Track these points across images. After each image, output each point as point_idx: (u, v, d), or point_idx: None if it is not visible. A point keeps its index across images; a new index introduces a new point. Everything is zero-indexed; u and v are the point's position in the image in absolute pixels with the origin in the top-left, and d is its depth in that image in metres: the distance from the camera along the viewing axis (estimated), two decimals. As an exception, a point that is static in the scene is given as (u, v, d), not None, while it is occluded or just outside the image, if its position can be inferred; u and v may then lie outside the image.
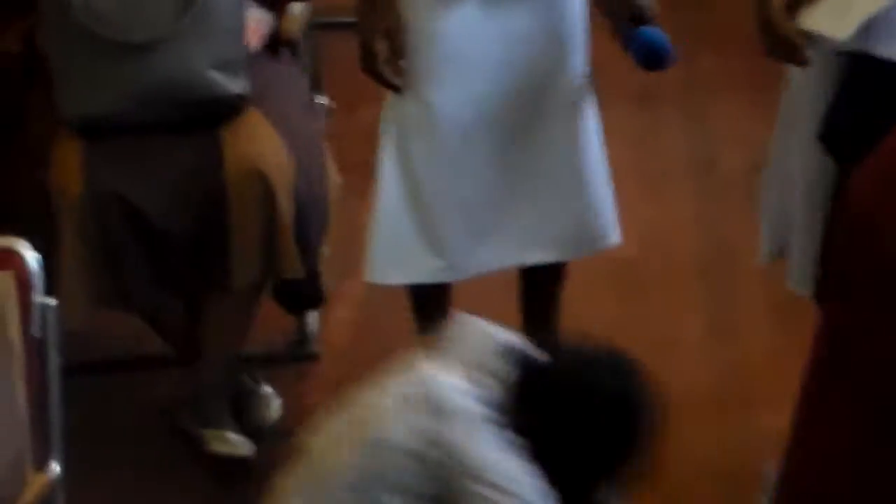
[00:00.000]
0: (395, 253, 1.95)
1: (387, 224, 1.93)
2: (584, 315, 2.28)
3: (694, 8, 3.50)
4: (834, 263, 1.17)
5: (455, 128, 1.85)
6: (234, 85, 1.86)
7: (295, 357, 2.36)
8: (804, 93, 1.77)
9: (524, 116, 1.87)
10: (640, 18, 1.89)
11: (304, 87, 2.18)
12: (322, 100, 2.35)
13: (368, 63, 1.80)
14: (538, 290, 2.10)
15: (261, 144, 1.87)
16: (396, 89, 1.82)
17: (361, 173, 2.28)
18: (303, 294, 2.05)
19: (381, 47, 1.78)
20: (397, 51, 1.79)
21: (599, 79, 2.00)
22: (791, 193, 1.84)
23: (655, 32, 1.90)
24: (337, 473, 1.40)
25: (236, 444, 2.02)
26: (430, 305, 2.06)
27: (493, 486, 1.29)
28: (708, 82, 2.96)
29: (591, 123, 1.96)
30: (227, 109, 1.86)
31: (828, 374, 1.15)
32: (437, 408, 1.37)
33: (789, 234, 1.85)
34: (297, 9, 2.10)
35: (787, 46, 1.61)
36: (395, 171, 1.90)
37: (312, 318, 2.34)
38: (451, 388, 1.38)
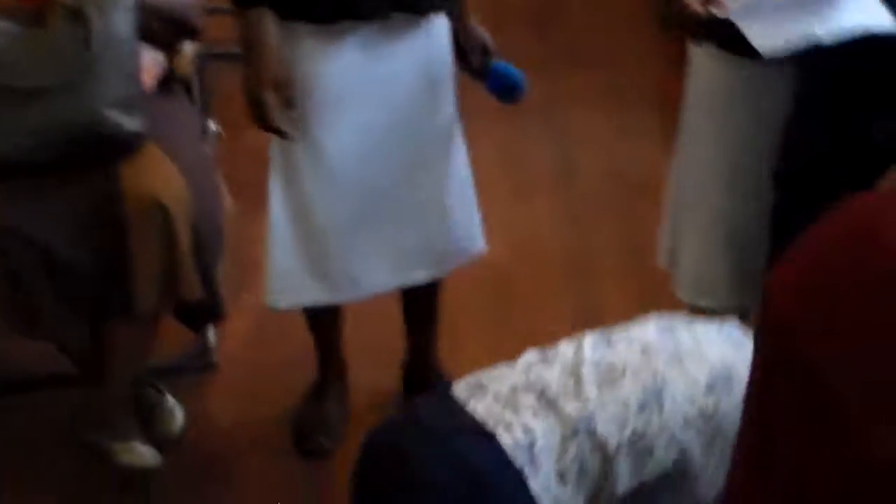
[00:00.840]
0: (287, 279, 2.08)
1: (278, 253, 2.06)
2: (461, 319, 2.49)
3: (558, 29, 3.77)
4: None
5: (340, 162, 1.98)
6: (132, 123, 1.92)
7: (196, 369, 2.47)
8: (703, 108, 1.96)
9: (402, 150, 2.02)
10: (486, 52, 2.09)
11: (196, 120, 2.28)
12: (212, 125, 2.45)
13: (259, 115, 1.89)
14: (418, 302, 2.29)
15: (158, 177, 1.95)
16: (288, 137, 1.94)
17: (251, 192, 2.40)
18: (202, 312, 2.14)
19: (271, 99, 1.89)
20: (288, 102, 1.90)
21: (468, 93, 2.16)
22: (682, 205, 2.05)
23: (508, 68, 2.11)
24: None
25: (144, 454, 2.14)
26: (322, 321, 2.23)
27: None
28: (569, 97, 3.18)
29: (459, 150, 2.14)
30: (125, 146, 1.93)
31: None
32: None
33: (677, 244, 2.07)
34: (187, 48, 2.20)
35: (684, 18, 1.73)
36: (284, 204, 2.03)
37: (210, 331, 2.45)
38: None
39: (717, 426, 1.43)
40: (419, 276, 2.16)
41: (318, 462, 2.27)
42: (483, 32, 2.11)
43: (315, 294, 2.10)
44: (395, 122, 2.00)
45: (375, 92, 1.97)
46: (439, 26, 2.01)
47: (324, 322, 2.24)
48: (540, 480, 1.38)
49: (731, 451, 1.29)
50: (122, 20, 1.88)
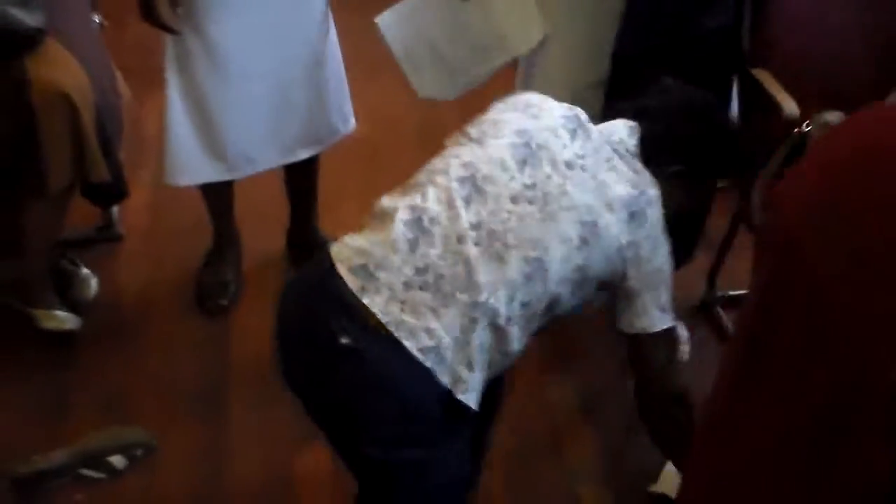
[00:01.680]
0: (183, 159, 2.30)
1: (175, 136, 2.27)
2: (335, 185, 2.72)
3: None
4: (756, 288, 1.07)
5: (229, 53, 2.18)
6: (32, 19, 2.03)
7: (104, 240, 2.69)
8: None
9: (283, 41, 2.23)
10: None
11: (90, 15, 2.44)
12: (97, 18, 2.57)
13: (149, 13, 2.06)
14: (300, 175, 2.56)
15: (61, 69, 2.09)
16: (175, 33, 2.12)
17: (137, 79, 2.61)
18: (107, 190, 2.33)
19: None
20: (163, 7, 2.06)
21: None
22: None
23: None
24: None
25: (64, 319, 2.38)
26: (216, 195, 2.48)
27: None
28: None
29: (332, 41, 2.36)
30: (27, 41, 2.05)
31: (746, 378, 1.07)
32: None
33: None
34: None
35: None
36: (180, 92, 2.23)
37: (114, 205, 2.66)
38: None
39: (584, 275, 1.53)
40: (302, 153, 2.42)
41: (218, 319, 2.51)
42: None
43: (211, 172, 2.34)
44: (276, 17, 2.20)
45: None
46: None
47: (218, 195, 2.49)
48: (447, 373, 1.45)
49: (591, 293, 1.59)
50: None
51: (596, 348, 2.46)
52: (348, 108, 2.47)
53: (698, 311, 2.54)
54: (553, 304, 1.55)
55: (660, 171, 1.62)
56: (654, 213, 1.58)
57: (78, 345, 2.40)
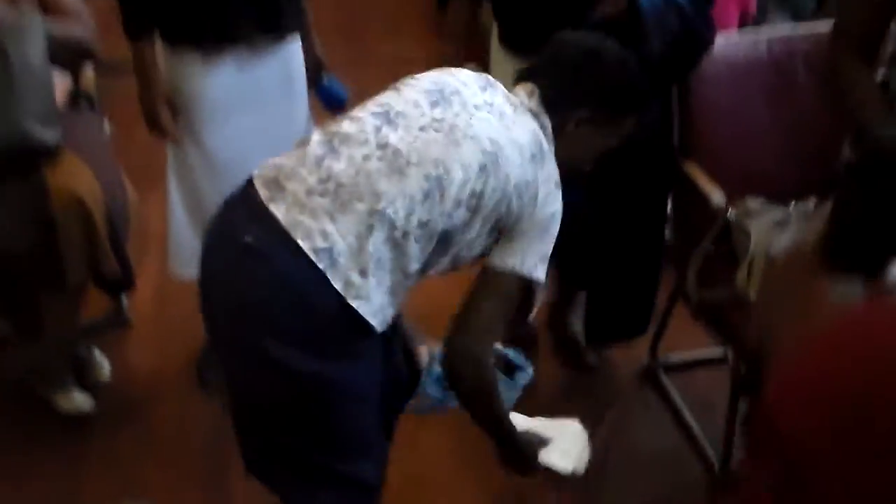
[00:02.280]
0: (185, 254, 2.54)
1: (177, 234, 2.53)
2: None
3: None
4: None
5: (223, 158, 2.45)
6: (50, 135, 2.27)
7: (114, 326, 2.93)
8: None
9: (270, 143, 2.42)
10: (319, 68, 2.59)
11: (100, 126, 2.70)
12: (107, 125, 2.83)
13: (154, 125, 2.34)
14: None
15: (76, 177, 2.32)
16: (176, 140, 2.39)
17: (142, 176, 2.85)
18: (117, 281, 2.54)
19: (163, 112, 2.33)
20: (175, 112, 2.35)
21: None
22: None
23: (334, 85, 2.61)
24: None
25: (80, 401, 2.61)
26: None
27: None
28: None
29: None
30: (46, 154, 2.28)
31: None
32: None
33: None
34: (89, 69, 2.63)
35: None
36: (180, 193, 2.50)
37: (123, 294, 2.90)
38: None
39: (479, 203, 1.59)
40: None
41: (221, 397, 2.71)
42: (319, 52, 2.60)
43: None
44: (265, 122, 2.47)
45: (248, 99, 2.44)
46: (294, 45, 2.51)
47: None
48: (340, 277, 1.52)
49: (483, 238, 1.62)
50: (35, 50, 2.22)
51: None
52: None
53: (643, 377, 2.82)
54: (449, 234, 1.60)
55: (567, 121, 1.72)
56: (551, 166, 1.67)
57: (92, 424, 2.61)
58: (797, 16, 3.33)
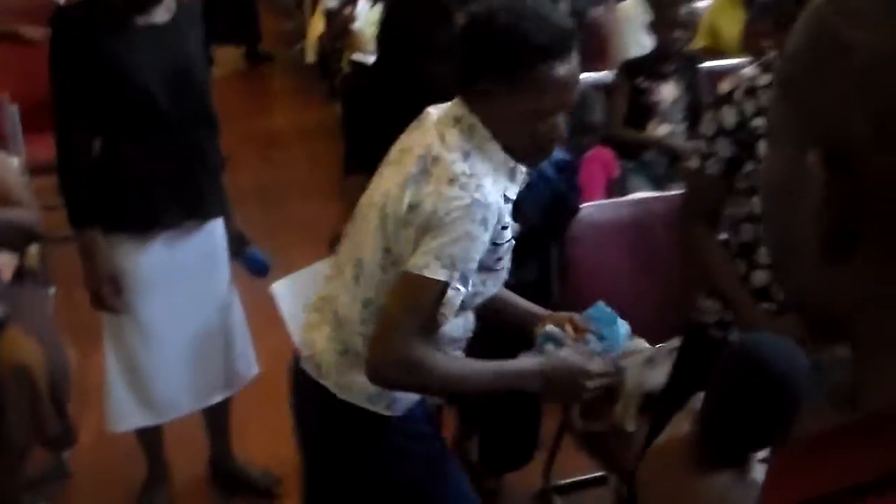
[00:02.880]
0: (121, 410, 2.83)
1: (113, 391, 2.80)
2: (244, 418, 3.24)
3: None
4: None
5: (155, 325, 2.75)
6: None
7: (56, 477, 3.16)
8: None
9: (197, 312, 2.83)
10: (242, 242, 2.95)
11: (44, 298, 3.01)
12: (51, 290, 3.16)
13: (99, 302, 2.64)
14: (216, 412, 3.09)
15: (21, 348, 2.59)
16: (118, 313, 2.70)
17: (83, 334, 3.13)
18: (58, 438, 2.80)
19: (106, 289, 2.63)
20: (118, 290, 2.66)
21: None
22: None
23: (256, 256, 2.96)
24: None
25: (25, 551, 2.83)
26: (148, 435, 3.01)
27: None
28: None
29: (236, 306, 2.96)
30: None
31: None
32: None
33: None
34: (33, 248, 2.94)
35: None
36: (115, 355, 2.78)
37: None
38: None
39: (392, 250, 1.79)
40: (216, 397, 2.98)
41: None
42: (240, 228, 2.95)
43: (144, 418, 2.87)
44: (191, 294, 2.80)
45: (176, 275, 2.75)
46: (216, 224, 2.85)
47: (149, 435, 3.02)
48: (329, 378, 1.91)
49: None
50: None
51: None
52: (252, 355, 3.05)
53: (538, 499, 3.15)
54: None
55: (481, 105, 1.76)
56: (441, 171, 1.70)
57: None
58: (654, 181, 3.74)
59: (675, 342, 2.59)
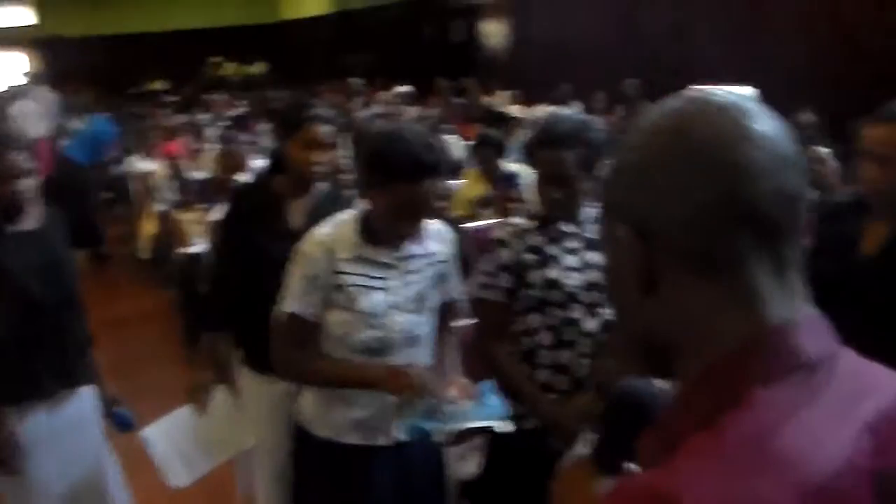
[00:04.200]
0: None
1: None
2: None
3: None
4: None
5: (41, 480, 3.16)
6: None
7: None
8: None
9: (79, 467, 3.27)
10: (111, 403, 3.46)
11: None
12: None
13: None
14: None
15: None
16: (13, 473, 3.11)
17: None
18: None
19: (5, 453, 3.04)
20: (8, 452, 3.08)
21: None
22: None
23: (123, 413, 3.46)
24: None
25: None
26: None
27: None
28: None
29: (114, 465, 3.43)
30: None
31: None
32: None
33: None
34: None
35: None
36: None
37: None
38: None
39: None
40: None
41: None
42: (113, 392, 3.45)
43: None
44: (70, 451, 3.24)
45: (55, 435, 3.20)
46: (87, 390, 3.36)
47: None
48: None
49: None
50: None
51: None
52: (126, 498, 3.51)
53: None
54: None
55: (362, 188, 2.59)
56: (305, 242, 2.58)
57: None
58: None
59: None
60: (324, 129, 3.19)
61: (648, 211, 0.99)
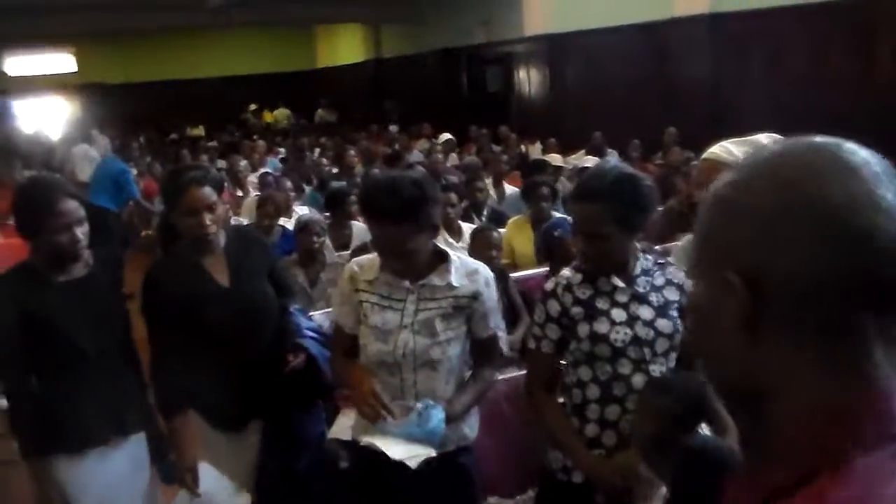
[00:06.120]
0: None
1: None
2: None
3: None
4: None
5: None
6: None
7: None
8: None
9: None
10: (162, 451, 3.48)
11: None
12: None
13: None
14: None
15: None
16: None
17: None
18: None
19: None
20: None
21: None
22: None
23: (170, 465, 3.45)
24: None
25: None
26: None
27: None
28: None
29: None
30: None
31: None
32: None
33: None
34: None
35: None
36: None
37: None
38: None
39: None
40: None
41: None
42: (160, 439, 3.46)
43: None
44: (120, 494, 3.29)
45: (107, 481, 3.24)
46: (139, 435, 3.40)
47: None
48: None
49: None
50: None
51: None
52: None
53: None
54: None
55: None
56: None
57: None
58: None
59: (531, 492, 3.27)
60: (203, 192, 3.20)
61: (766, 262, 0.95)
